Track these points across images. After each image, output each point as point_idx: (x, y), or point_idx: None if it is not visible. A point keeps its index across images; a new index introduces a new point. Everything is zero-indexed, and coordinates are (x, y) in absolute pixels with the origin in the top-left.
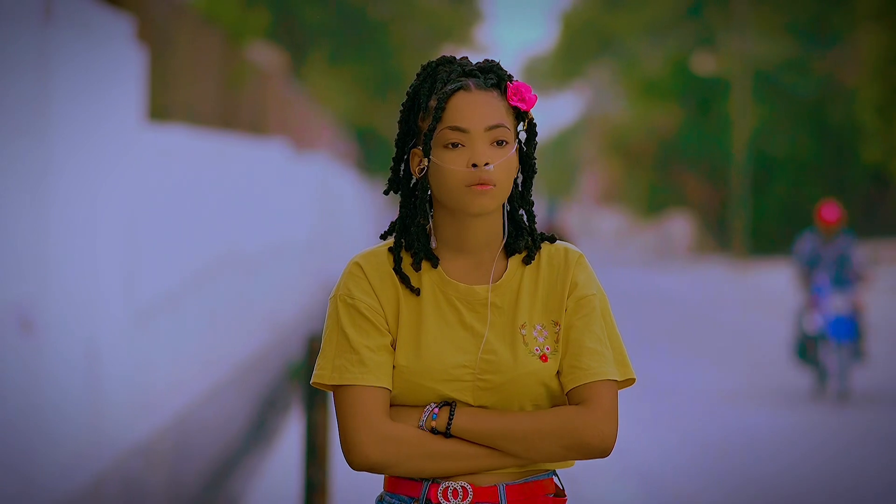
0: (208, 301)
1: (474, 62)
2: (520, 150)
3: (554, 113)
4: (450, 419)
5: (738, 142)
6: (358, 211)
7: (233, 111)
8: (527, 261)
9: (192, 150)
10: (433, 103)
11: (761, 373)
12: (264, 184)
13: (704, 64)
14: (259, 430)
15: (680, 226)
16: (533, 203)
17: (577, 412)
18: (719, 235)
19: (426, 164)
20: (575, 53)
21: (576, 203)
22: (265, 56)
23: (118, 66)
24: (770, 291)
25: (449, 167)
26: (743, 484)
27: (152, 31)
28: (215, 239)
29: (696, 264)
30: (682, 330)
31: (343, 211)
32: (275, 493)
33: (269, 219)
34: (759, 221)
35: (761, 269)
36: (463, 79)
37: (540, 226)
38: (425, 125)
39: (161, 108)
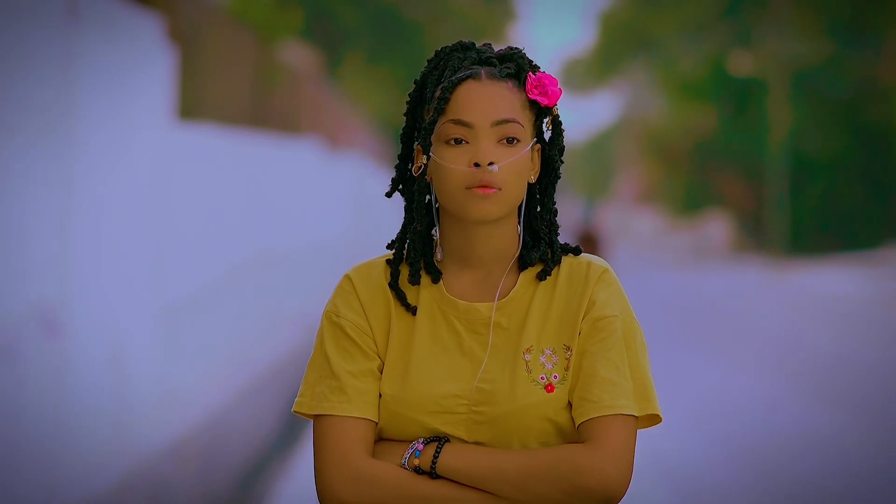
0: (239, 302)
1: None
2: (543, 151)
3: (592, 114)
4: (435, 456)
5: (774, 142)
6: (394, 211)
7: (266, 110)
8: (541, 276)
9: (223, 149)
10: (438, 93)
11: (798, 375)
12: (297, 183)
13: (741, 65)
14: (289, 431)
15: (717, 226)
16: (556, 212)
17: (580, 451)
18: (756, 235)
19: (425, 161)
20: (613, 54)
21: (613, 203)
22: (300, 55)
23: (147, 65)
24: (808, 291)
25: (448, 165)
26: (777, 488)
27: (183, 31)
28: (247, 239)
29: (733, 264)
30: (719, 331)
31: (378, 210)
32: (303, 496)
33: (303, 218)
34: (797, 221)
35: (799, 268)
36: (476, 67)
37: (577, 226)
38: (428, 117)
39: (192, 108)
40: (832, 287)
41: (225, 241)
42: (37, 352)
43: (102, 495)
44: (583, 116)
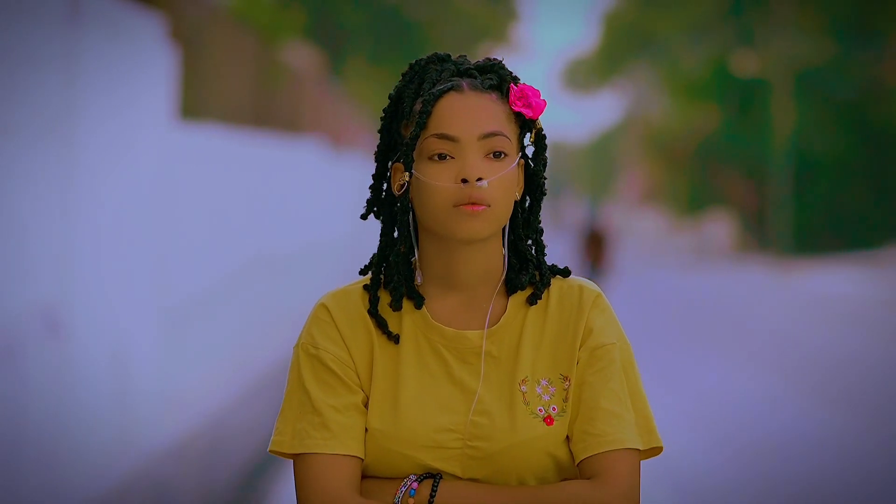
0: (241, 303)
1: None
2: (526, 166)
3: (595, 114)
4: (432, 495)
5: (778, 142)
6: None
7: (268, 110)
8: (531, 300)
9: (225, 149)
10: (418, 107)
11: (801, 375)
12: (300, 184)
13: (745, 65)
14: None
15: (720, 226)
16: (542, 231)
17: (587, 488)
18: (760, 235)
19: (407, 179)
20: (616, 54)
21: (617, 203)
22: (302, 55)
23: (149, 65)
24: (811, 291)
25: (433, 183)
26: (781, 488)
27: (186, 31)
28: (249, 239)
29: (736, 264)
30: (722, 330)
31: None
32: None
33: (305, 219)
34: (801, 221)
35: (802, 268)
36: (456, 78)
37: (583, 227)
38: (408, 133)
39: (194, 108)
40: (835, 287)
41: (227, 242)
42: (38, 352)
43: (104, 496)
44: (586, 117)
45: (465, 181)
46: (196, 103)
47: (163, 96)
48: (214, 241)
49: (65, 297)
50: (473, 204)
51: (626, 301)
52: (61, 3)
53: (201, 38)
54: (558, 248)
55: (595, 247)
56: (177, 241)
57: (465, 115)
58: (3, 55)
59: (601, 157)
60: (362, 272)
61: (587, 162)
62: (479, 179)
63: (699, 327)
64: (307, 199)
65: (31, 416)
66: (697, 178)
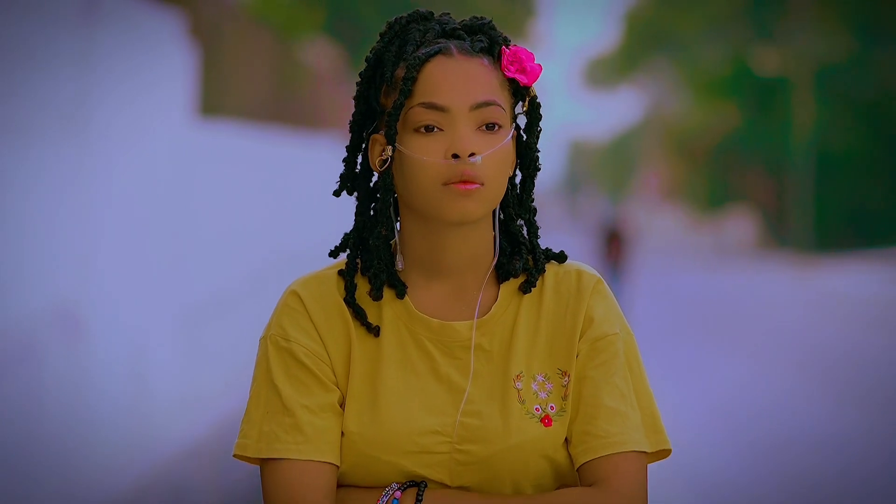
0: (259, 302)
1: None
2: (518, 138)
3: (615, 112)
4: None
5: (798, 139)
6: None
7: (287, 107)
8: (525, 288)
9: (244, 146)
10: (401, 72)
11: (822, 373)
12: (319, 181)
13: (765, 62)
14: None
15: (741, 223)
16: (535, 210)
17: (591, 496)
18: (780, 233)
19: (390, 153)
20: (636, 51)
21: (637, 201)
22: (321, 52)
23: (168, 62)
24: (832, 288)
25: (420, 158)
26: (798, 488)
27: (205, 28)
28: (267, 238)
29: (757, 261)
30: (742, 328)
31: None
32: None
33: (324, 217)
34: (822, 219)
35: (823, 266)
36: (442, 40)
37: (602, 226)
38: (389, 102)
39: (213, 105)
40: (856, 284)
41: (245, 240)
42: (56, 351)
43: (122, 495)
44: (605, 114)
45: (455, 156)
46: (215, 100)
47: (181, 93)
48: (232, 239)
49: (82, 297)
50: (465, 182)
51: (647, 299)
52: (77, 1)
53: (220, 36)
54: (578, 246)
55: (615, 245)
56: (195, 239)
57: (456, 81)
58: (19, 53)
59: (621, 154)
60: (332, 254)
61: (607, 160)
62: (472, 155)
63: (719, 325)
64: (326, 196)
65: (49, 415)
66: (718, 176)
